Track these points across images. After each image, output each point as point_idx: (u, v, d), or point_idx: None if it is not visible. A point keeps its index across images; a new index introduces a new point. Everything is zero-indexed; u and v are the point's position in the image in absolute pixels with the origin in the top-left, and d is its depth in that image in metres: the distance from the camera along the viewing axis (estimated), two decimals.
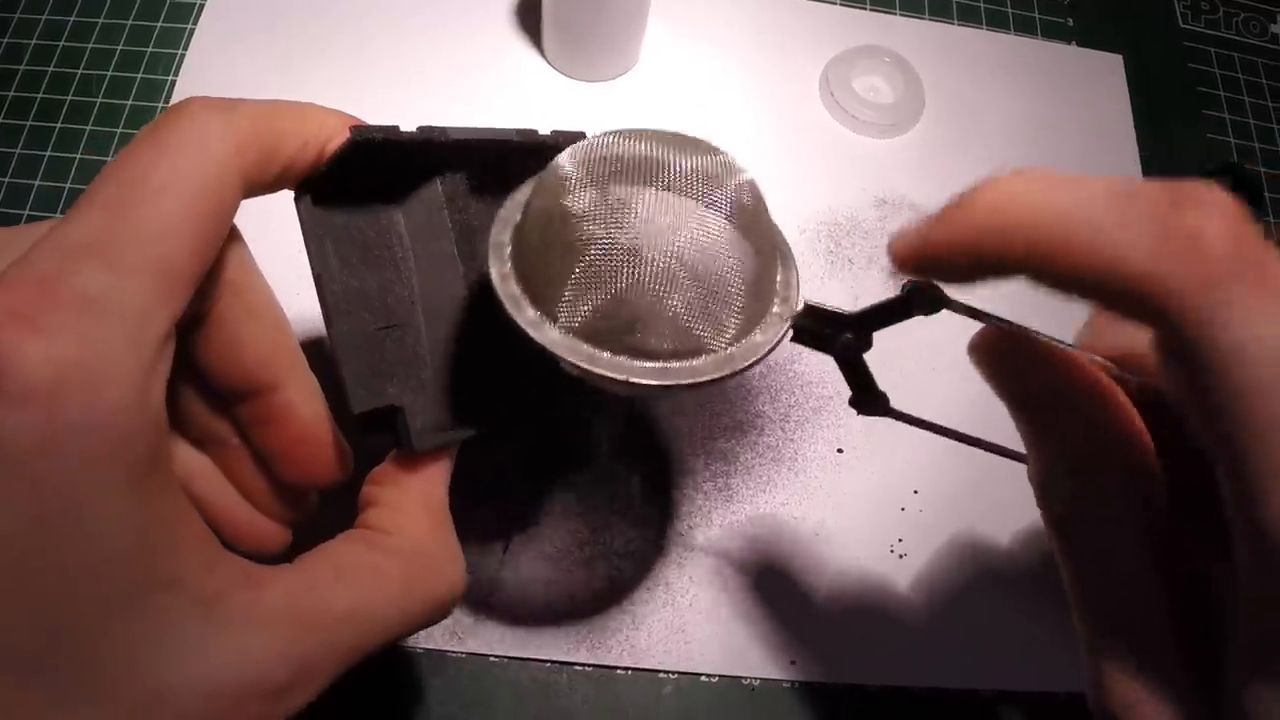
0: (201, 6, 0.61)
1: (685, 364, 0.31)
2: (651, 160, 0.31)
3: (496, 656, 0.46)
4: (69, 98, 0.58)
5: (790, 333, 0.34)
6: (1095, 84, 0.66)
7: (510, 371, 0.37)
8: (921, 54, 0.64)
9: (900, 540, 0.50)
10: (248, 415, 0.35)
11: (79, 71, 0.59)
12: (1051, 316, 0.31)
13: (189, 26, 0.61)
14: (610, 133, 0.32)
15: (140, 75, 0.59)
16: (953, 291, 0.32)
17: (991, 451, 0.37)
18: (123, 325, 0.25)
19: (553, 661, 0.46)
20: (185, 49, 0.60)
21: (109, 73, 0.59)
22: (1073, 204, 0.25)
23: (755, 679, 0.47)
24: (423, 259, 0.37)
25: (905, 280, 0.32)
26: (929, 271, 0.30)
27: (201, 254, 0.28)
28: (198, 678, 0.26)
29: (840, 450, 0.52)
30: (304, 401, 0.35)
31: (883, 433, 0.53)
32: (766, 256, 0.33)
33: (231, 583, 0.28)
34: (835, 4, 0.67)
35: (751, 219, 0.32)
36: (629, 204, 0.30)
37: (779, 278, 0.34)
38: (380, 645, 0.31)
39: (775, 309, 0.33)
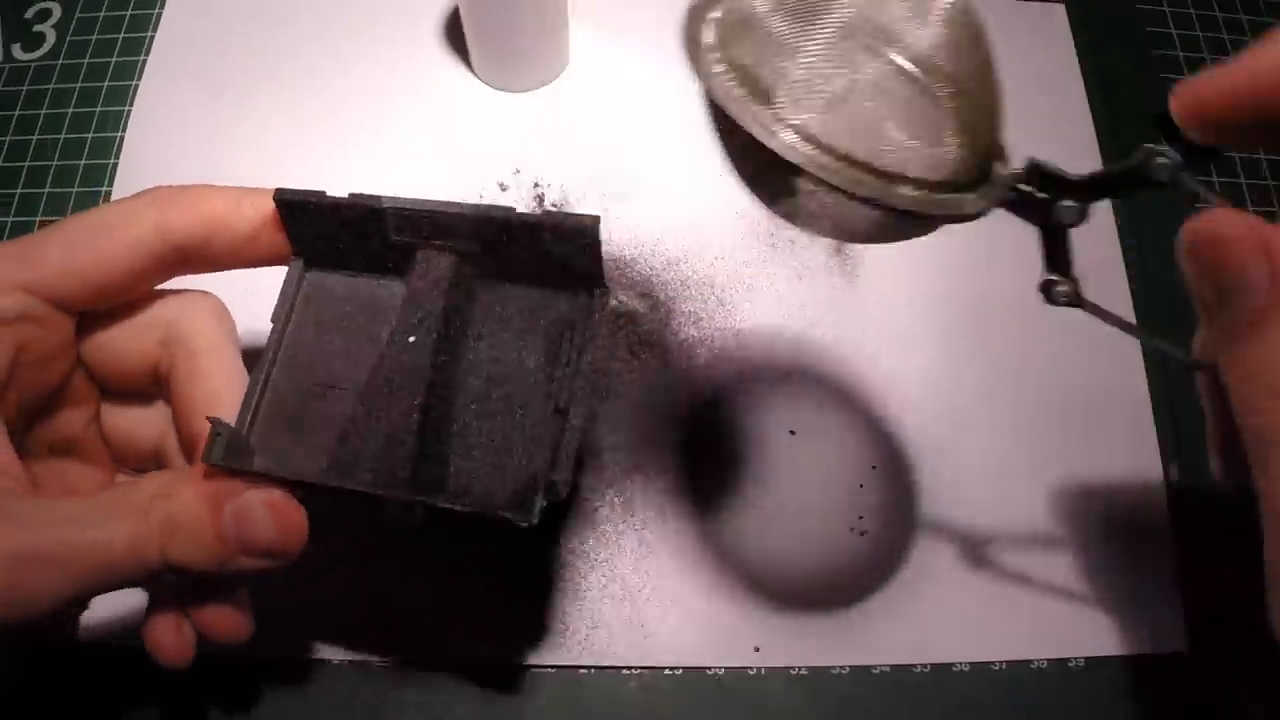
0: (145, 62, 0.63)
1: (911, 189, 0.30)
2: None
3: (456, 665, 0.47)
4: (25, 164, 0.60)
5: (1013, 183, 0.33)
6: (1038, 35, 0.65)
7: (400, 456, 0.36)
8: None
9: (861, 518, 0.50)
10: None
11: (34, 137, 0.61)
12: None
13: (134, 83, 0.62)
14: None
15: (91, 135, 0.61)
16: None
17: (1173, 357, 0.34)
18: None
19: (516, 665, 0.47)
20: (131, 104, 0.62)
21: (61, 136, 0.61)
22: None
23: (719, 668, 0.47)
24: (399, 331, 0.38)
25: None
26: (1217, 123, 0.29)
27: (77, 256, 0.37)
28: None
29: (793, 432, 0.52)
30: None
31: (836, 411, 0.52)
32: (978, 102, 0.32)
33: None
34: None
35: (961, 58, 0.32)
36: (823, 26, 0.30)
37: (994, 139, 0.33)
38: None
39: (996, 166, 0.33)
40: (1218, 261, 0.28)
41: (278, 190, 0.38)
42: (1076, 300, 0.35)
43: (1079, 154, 0.61)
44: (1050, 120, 0.61)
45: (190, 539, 0.34)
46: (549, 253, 0.38)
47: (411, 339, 0.37)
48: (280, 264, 0.40)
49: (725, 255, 0.57)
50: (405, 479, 0.35)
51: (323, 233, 0.39)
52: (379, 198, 0.37)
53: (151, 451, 0.42)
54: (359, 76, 0.63)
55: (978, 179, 0.32)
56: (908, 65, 0.31)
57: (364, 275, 0.41)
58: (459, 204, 0.37)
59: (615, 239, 0.57)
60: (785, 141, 0.29)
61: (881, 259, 0.56)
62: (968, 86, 0.32)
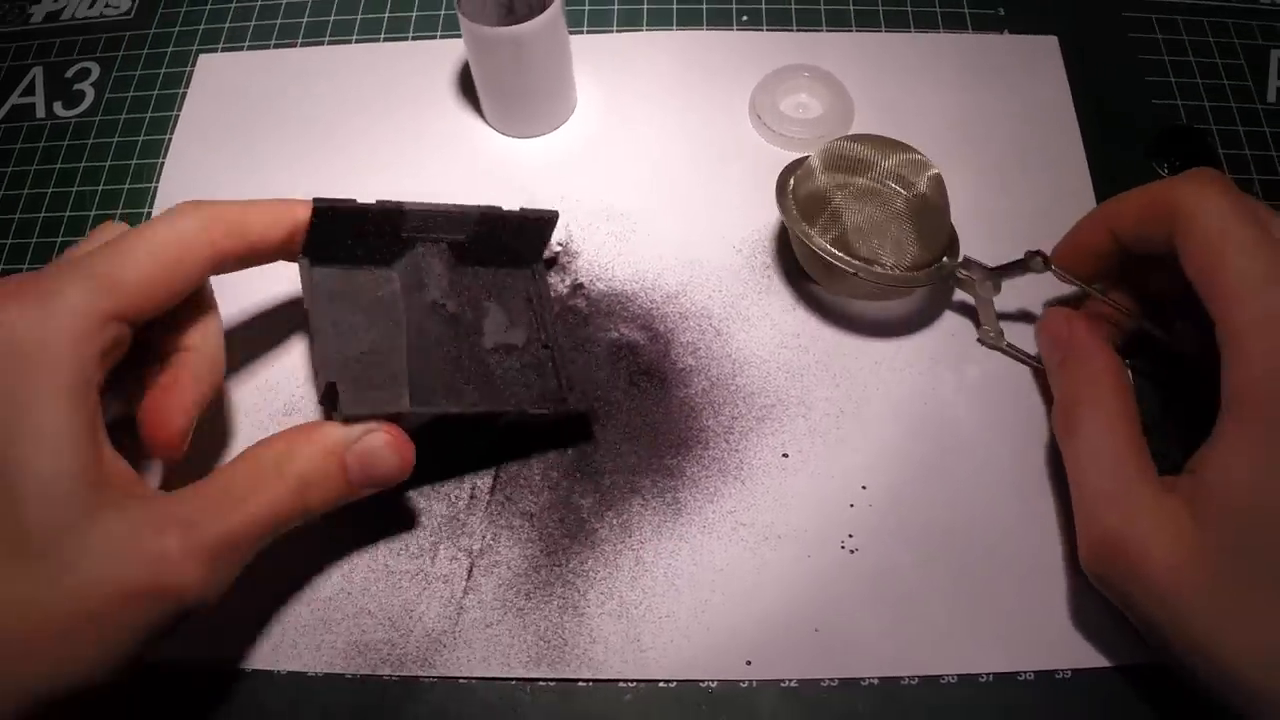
0: (177, 117, 0.68)
1: (888, 270, 0.52)
2: (867, 157, 0.53)
3: (465, 679, 0.49)
4: (66, 214, 0.65)
5: (957, 270, 0.55)
6: (1030, 69, 0.66)
7: (463, 378, 0.49)
8: (849, 66, 0.66)
9: (850, 536, 0.52)
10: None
11: (73, 189, 0.66)
12: None
13: (167, 137, 0.67)
14: (842, 139, 0.55)
15: (127, 185, 0.65)
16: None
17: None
18: (67, 308, 0.39)
19: (517, 679, 0.49)
20: (164, 157, 0.66)
21: (99, 188, 0.66)
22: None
23: (712, 681, 0.48)
24: (413, 308, 0.50)
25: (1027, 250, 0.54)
26: (1075, 266, 0.52)
27: (151, 283, 0.42)
28: (114, 574, 0.36)
29: (785, 455, 0.54)
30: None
31: (828, 434, 0.54)
32: (936, 224, 0.53)
33: (141, 496, 0.40)
34: (762, 29, 0.69)
35: (928, 199, 0.53)
36: (852, 181, 0.53)
37: (947, 243, 0.55)
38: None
39: (945, 259, 0.55)
40: (1049, 334, 0.52)
41: (317, 199, 0.47)
42: (998, 344, 0.56)
43: (1072, 182, 0.62)
44: (1043, 151, 0.63)
45: (323, 489, 0.43)
46: (517, 238, 0.54)
47: (445, 304, 0.50)
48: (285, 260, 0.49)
49: (722, 288, 0.59)
50: (477, 398, 0.49)
51: (339, 233, 0.48)
52: (400, 203, 0.49)
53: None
54: (378, 130, 0.67)
55: (934, 265, 0.54)
56: (895, 208, 0.53)
57: (360, 268, 0.51)
58: (461, 205, 0.51)
59: (618, 275, 0.60)
60: (824, 245, 0.53)
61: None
62: (931, 225, 0.53)
